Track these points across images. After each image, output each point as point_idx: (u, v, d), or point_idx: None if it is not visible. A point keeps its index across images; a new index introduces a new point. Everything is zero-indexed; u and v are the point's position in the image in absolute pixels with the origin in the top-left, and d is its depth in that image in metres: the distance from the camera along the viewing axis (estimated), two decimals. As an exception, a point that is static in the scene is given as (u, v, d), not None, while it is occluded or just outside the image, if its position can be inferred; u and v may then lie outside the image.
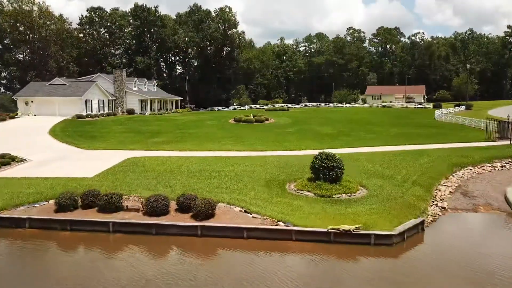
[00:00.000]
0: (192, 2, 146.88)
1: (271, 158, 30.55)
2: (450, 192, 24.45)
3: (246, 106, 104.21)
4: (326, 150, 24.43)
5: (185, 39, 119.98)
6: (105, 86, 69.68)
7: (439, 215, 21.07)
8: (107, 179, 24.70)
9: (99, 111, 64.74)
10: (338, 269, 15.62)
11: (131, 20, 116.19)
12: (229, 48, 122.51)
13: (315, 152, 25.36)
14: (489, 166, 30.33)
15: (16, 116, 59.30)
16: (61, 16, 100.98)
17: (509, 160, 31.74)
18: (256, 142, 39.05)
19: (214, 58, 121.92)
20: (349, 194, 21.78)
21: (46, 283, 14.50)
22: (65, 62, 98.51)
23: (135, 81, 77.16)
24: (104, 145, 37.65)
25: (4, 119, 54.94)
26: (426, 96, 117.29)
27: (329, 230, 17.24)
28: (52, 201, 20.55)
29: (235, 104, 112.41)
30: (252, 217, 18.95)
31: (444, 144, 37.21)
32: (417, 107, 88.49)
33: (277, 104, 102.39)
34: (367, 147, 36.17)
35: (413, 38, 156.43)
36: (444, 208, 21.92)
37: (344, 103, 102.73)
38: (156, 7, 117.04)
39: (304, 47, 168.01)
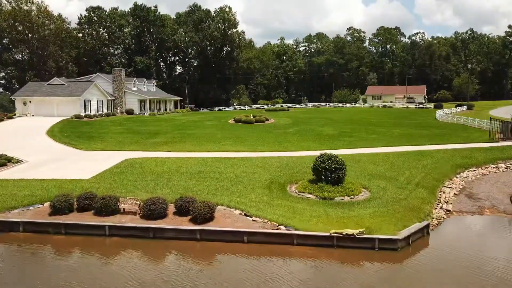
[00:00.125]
0: (191, 2, 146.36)
1: (271, 159, 30.05)
2: (454, 194, 23.93)
3: (246, 106, 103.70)
4: (328, 151, 23.92)
5: (185, 39, 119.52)
6: (104, 86, 69.17)
7: (444, 218, 20.57)
8: (104, 180, 24.18)
9: (97, 111, 64.22)
10: (343, 275, 15.08)
11: (131, 20, 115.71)
12: (229, 48, 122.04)
13: (316, 153, 24.87)
14: (494, 168, 29.81)
15: (14, 117, 58.75)
16: (60, 15, 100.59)
17: (514, 161, 31.21)
18: (256, 142, 38.54)
19: (214, 58, 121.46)
20: (351, 196, 21.27)
21: (39, 290, 13.99)
22: (64, 62, 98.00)
23: (134, 81, 76.64)
24: (102, 145, 37.14)
25: (1, 119, 54.39)
26: (426, 96, 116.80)
27: (332, 235, 16.72)
28: (47, 204, 20.03)
29: (235, 104, 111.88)
30: (253, 220, 18.42)
31: (447, 145, 36.70)
32: (418, 107, 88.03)
33: (277, 104, 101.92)
34: (369, 147, 35.65)
35: (413, 38, 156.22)
36: (449, 210, 21.42)
37: (344, 103, 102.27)
38: (156, 6, 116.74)
39: (304, 47, 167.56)
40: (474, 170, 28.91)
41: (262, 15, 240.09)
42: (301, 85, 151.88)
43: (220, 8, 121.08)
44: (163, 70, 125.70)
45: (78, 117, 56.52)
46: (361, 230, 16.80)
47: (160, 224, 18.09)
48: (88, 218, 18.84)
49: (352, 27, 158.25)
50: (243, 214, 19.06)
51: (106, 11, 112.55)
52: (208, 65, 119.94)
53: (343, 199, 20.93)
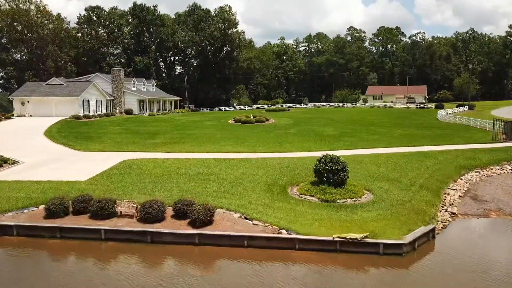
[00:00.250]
0: (191, 1, 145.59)
1: (272, 160, 29.53)
2: (459, 196, 23.42)
3: (246, 106, 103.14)
4: (330, 152, 23.42)
5: (185, 38, 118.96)
6: (103, 86, 68.62)
7: (449, 221, 20.07)
8: (101, 182, 23.67)
9: (96, 112, 63.65)
10: (348, 281, 14.57)
11: (130, 20, 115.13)
12: (228, 48, 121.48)
13: (317, 153, 24.39)
14: (498, 169, 29.28)
15: (12, 117, 58.18)
16: (59, 15, 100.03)
17: (518, 162, 30.70)
18: (257, 143, 38.02)
19: (214, 58, 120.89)
20: (354, 199, 20.78)
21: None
22: (63, 62, 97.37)
23: (133, 81, 76.06)
24: (100, 146, 36.62)
25: (-1, 120, 53.89)
26: (427, 96, 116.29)
27: (335, 239, 16.21)
28: (42, 207, 19.50)
29: (235, 104, 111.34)
30: (253, 224, 17.90)
31: (450, 146, 36.19)
32: (419, 108, 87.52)
33: (277, 104, 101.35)
34: (371, 148, 35.14)
35: (414, 38, 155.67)
36: (454, 213, 20.90)
37: (345, 103, 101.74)
38: (155, 6, 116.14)
39: (304, 47, 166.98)
40: (479, 172, 28.40)
41: (262, 15, 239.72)
42: (301, 85, 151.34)
43: (220, 8, 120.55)
44: (163, 70, 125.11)
45: (76, 117, 55.97)
46: (365, 234, 16.28)
47: (158, 228, 17.55)
48: (84, 222, 18.32)
49: (352, 27, 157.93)
50: (243, 217, 18.54)
51: (105, 11, 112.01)
52: (208, 65, 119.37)
53: (345, 201, 20.43)
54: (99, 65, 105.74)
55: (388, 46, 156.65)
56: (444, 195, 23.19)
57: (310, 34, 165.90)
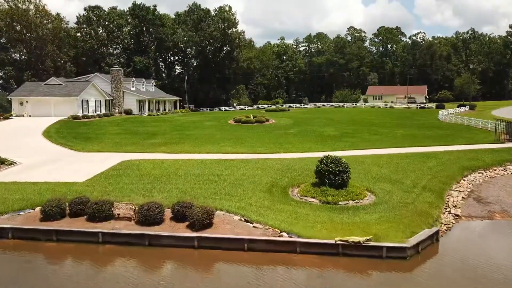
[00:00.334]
0: (191, 1, 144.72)
1: (272, 161, 29.17)
2: (462, 198, 23.06)
3: (246, 106, 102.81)
4: (331, 153, 23.06)
5: (184, 38, 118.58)
6: (102, 86, 68.26)
7: (453, 223, 19.69)
8: (99, 183, 23.31)
9: (95, 112, 63.31)
10: (350, 284, 14.21)
11: (129, 19, 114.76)
12: (228, 48, 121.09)
13: (318, 154, 24.05)
14: (502, 170, 28.92)
15: (10, 117, 57.82)
16: (58, 15, 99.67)
17: (522, 163, 30.34)
18: (257, 144, 37.66)
19: (214, 57, 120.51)
20: (356, 200, 20.42)
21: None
22: (62, 61, 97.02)
23: (133, 81, 75.72)
24: (99, 147, 36.27)
25: (-3, 120, 53.53)
26: (428, 96, 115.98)
27: (337, 242, 15.84)
28: (38, 209, 19.11)
29: (234, 104, 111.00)
30: (253, 226, 17.53)
31: (452, 146, 35.85)
32: (420, 108, 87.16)
33: (278, 105, 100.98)
34: (372, 149, 34.79)
35: (414, 38, 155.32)
36: (457, 215, 20.55)
37: (345, 103, 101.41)
38: (155, 6, 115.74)
39: (305, 47, 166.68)
40: (482, 173, 28.04)
41: (262, 15, 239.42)
42: (301, 85, 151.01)
43: (220, 8, 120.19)
44: (162, 70, 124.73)
45: (75, 117, 55.61)
46: (367, 237, 15.92)
47: (156, 231, 17.18)
48: (81, 224, 17.95)
49: (352, 27, 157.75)
50: (243, 220, 18.17)
51: (104, 11, 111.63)
52: (208, 65, 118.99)
53: (347, 203, 20.07)
54: (99, 65, 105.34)
55: (388, 46, 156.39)
56: (447, 197, 22.83)
57: (310, 34, 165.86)
